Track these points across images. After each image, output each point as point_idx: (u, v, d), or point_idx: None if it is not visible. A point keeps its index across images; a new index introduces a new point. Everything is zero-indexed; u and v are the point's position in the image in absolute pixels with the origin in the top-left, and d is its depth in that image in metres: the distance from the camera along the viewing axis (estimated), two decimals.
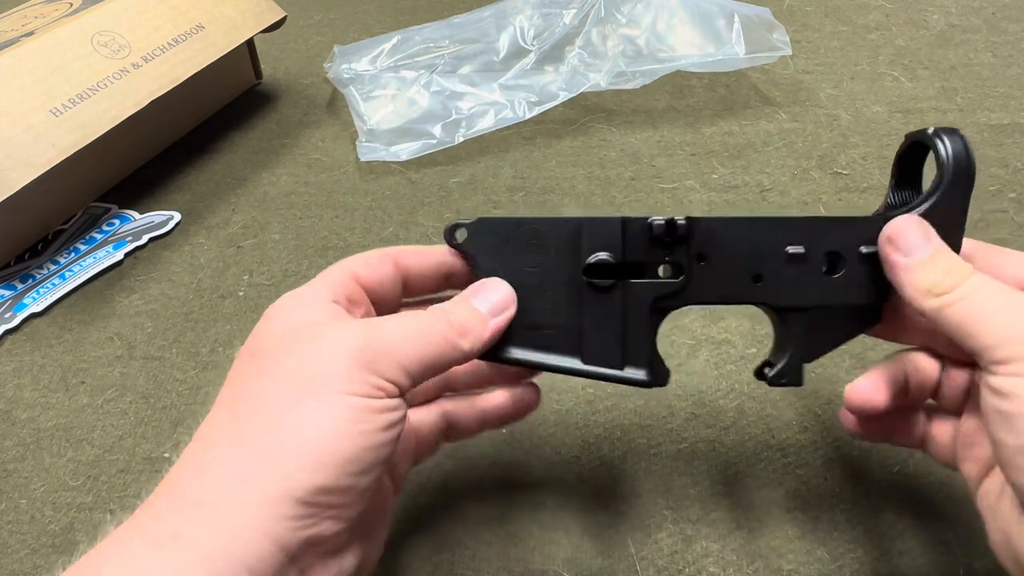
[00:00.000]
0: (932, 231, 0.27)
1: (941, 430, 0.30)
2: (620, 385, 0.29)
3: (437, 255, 0.29)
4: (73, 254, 0.52)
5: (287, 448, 0.21)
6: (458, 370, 0.31)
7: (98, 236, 0.54)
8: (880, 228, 0.27)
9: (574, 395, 0.41)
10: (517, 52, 0.64)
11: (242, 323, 0.46)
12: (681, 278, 0.28)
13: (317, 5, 0.85)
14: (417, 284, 0.29)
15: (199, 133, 0.64)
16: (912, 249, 0.26)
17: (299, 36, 0.79)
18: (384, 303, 0.28)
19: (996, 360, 0.23)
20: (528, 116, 0.60)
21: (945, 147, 0.27)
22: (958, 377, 0.28)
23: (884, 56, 0.70)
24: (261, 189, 0.58)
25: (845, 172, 0.56)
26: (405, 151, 0.58)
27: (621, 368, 0.29)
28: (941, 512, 0.35)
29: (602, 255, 0.28)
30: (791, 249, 0.28)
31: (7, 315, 0.48)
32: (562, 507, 0.36)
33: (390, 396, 0.23)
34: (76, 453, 0.40)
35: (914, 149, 0.29)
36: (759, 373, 0.30)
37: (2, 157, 0.45)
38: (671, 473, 0.37)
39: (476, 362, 0.28)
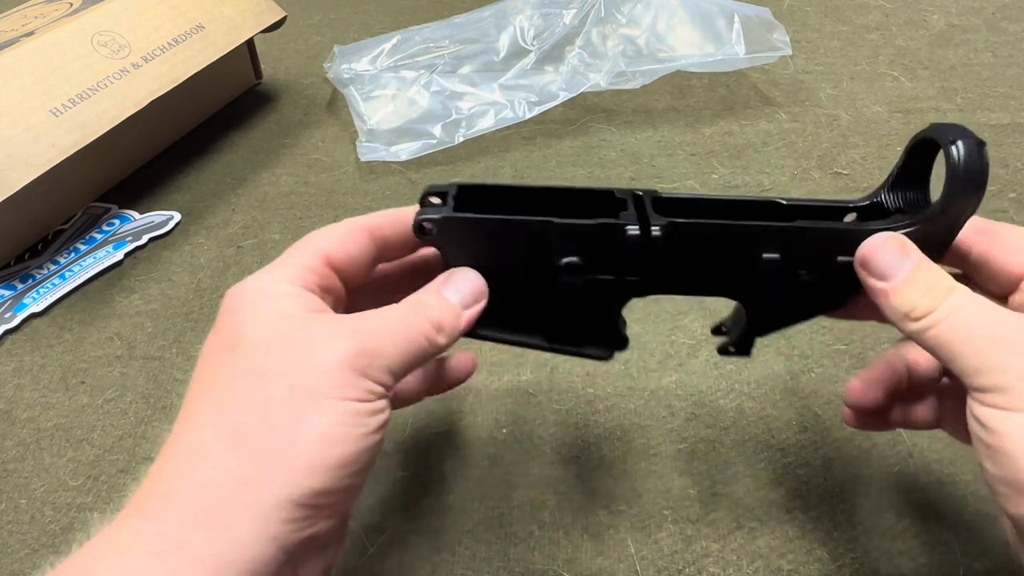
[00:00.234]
0: (909, 245, 0.25)
1: (955, 409, 0.29)
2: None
3: (413, 216, 0.28)
4: (73, 254, 0.52)
5: (287, 455, 0.21)
6: None
7: (98, 236, 0.54)
8: (859, 239, 0.26)
9: (574, 395, 0.41)
10: (517, 52, 0.64)
11: None
12: (648, 271, 0.28)
13: (317, 5, 0.85)
14: (394, 251, 0.28)
15: (199, 133, 0.64)
16: (887, 272, 0.25)
17: (299, 36, 0.79)
18: (356, 278, 0.27)
19: (977, 387, 0.22)
20: (528, 116, 0.60)
21: (958, 152, 0.24)
22: None
23: (884, 56, 0.70)
24: (261, 189, 0.58)
25: (845, 172, 0.56)
26: (405, 151, 0.58)
27: (583, 346, 0.30)
28: (941, 512, 0.35)
29: (572, 259, 0.27)
30: (767, 255, 0.27)
31: (7, 315, 0.48)
32: (562, 507, 0.36)
33: (380, 398, 0.23)
34: (76, 453, 0.40)
35: (922, 147, 0.27)
36: (716, 331, 0.32)
37: (2, 157, 0.45)
38: (671, 473, 0.37)
39: None
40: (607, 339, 0.29)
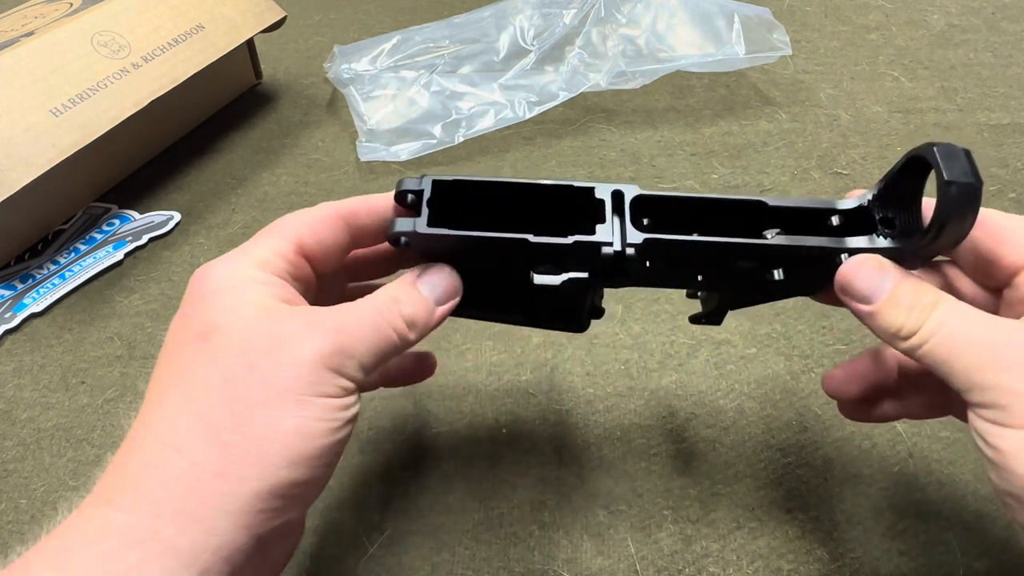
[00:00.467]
0: (885, 263, 0.25)
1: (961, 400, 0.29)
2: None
3: (390, 204, 0.28)
4: (73, 254, 0.52)
5: (265, 449, 0.22)
6: None
7: (98, 236, 0.54)
8: (838, 255, 0.26)
9: (574, 395, 0.41)
10: (517, 52, 0.64)
11: None
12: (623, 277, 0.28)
13: (317, 5, 0.85)
14: (367, 238, 0.28)
15: (199, 133, 0.64)
16: (868, 295, 0.25)
17: (299, 36, 0.79)
18: (327, 265, 0.27)
19: (976, 403, 0.22)
20: (528, 116, 0.60)
21: (948, 194, 0.22)
22: None
23: (884, 56, 0.70)
24: (261, 189, 0.58)
25: (845, 172, 0.56)
26: (405, 151, 0.58)
27: (555, 325, 0.31)
28: (941, 512, 0.35)
29: (547, 266, 0.27)
30: (742, 264, 0.27)
31: (7, 315, 0.48)
32: (562, 507, 0.36)
33: (351, 393, 0.24)
34: (76, 453, 0.40)
35: (913, 166, 0.25)
36: (691, 295, 0.33)
37: (2, 157, 0.45)
38: (671, 473, 0.37)
39: None
40: (581, 318, 0.30)
